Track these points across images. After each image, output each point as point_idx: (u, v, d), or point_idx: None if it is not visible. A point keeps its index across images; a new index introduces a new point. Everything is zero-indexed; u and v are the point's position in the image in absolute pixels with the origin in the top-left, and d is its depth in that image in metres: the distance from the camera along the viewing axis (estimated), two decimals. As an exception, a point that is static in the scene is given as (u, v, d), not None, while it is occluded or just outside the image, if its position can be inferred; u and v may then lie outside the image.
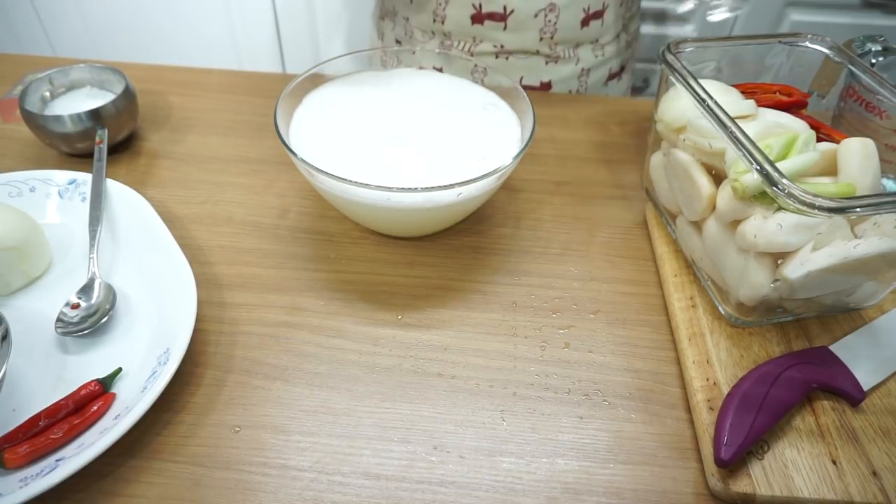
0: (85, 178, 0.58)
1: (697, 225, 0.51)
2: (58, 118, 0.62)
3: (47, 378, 0.46)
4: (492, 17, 0.77)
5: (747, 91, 0.53)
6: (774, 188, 0.39)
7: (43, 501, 0.39)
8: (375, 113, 0.60)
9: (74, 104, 0.66)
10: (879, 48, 0.61)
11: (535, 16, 0.77)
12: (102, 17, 1.46)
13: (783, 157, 0.43)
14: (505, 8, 0.76)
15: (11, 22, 1.50)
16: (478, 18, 0.78)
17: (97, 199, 0.56)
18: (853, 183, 0.43)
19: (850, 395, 0.45)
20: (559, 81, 0.84)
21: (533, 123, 0.55)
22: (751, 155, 0.41)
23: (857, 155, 0.43)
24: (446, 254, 0.58)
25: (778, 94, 0.53)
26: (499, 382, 0.48)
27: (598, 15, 0.80)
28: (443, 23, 0.80)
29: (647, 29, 1.42)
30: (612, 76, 0.88)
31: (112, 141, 0.64)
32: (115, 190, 0.57)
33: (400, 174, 0.53)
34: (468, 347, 0.50)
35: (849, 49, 0.62)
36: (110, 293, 0.51)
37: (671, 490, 0.42)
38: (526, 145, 0.52)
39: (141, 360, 0.47)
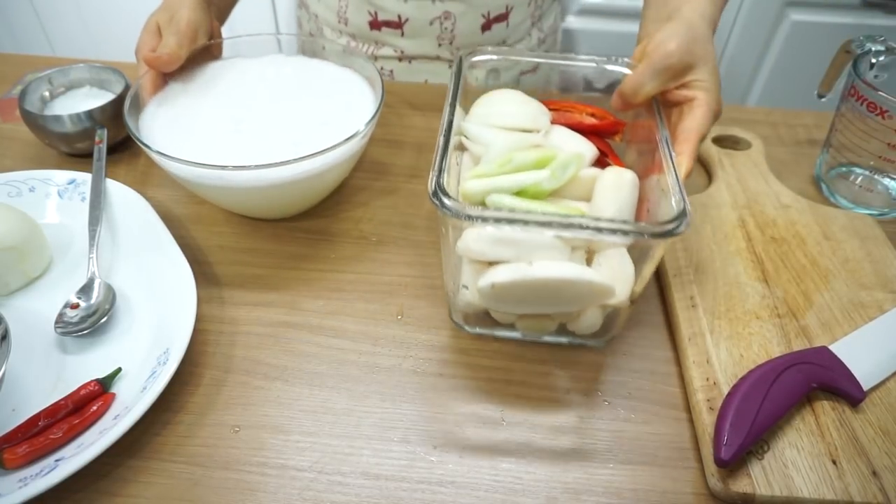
0: (84, 178, 0.58)
1: None
2: (57, 118, 0.62)
3: (47, 378, 0.46)
4: (388, 24, 0.78)
5: (561, 108, 0.53)
6: (433, 197, 0.40)
7: (42, 501, 0.39)
8: (225, 101, 0.60)
9: (74, 104, 0.66)
10: (880, 48, 0.61)
11: (431, 23, 0.77)
12: (102, 17, 1.46)
13: (523, 170, 0.44)
14: (399, 17, 0.76)
15: (11, 21, 1.50)
16: (375, 25, 0.78)
17: (97, 199, 0.56)
18: (591, 209, 0.45)
19: (850, 394, 0.45)
20: None
21: (382, 92, 0.57)
22: (438, 164, 0.42)
23: (605, 184, 0.45)
24: (446, 254, 0.58)
25: (592, 116, 0.53)
26: (498, 382, 0.48)
27: (502, 18, 0.79)
28: (346, 24, 0.80)
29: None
30: (523, 73, 0.87)
31: (112, 141, 0.64)
32: (115, 190, 0.57)
33: (257, 154, 0.54)
34: (468, 347, 0.50)
35: (849, 49, 0.62)
36: (110, 293, 0.51)
37: (671, 490, 0.42)
38: (377, 112, 0.54)
39: (140, 360, 0.47)
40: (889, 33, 0.63)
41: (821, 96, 0.67)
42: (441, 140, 0.44)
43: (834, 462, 0.42)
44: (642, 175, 0.47)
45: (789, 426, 0.44)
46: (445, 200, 0.39)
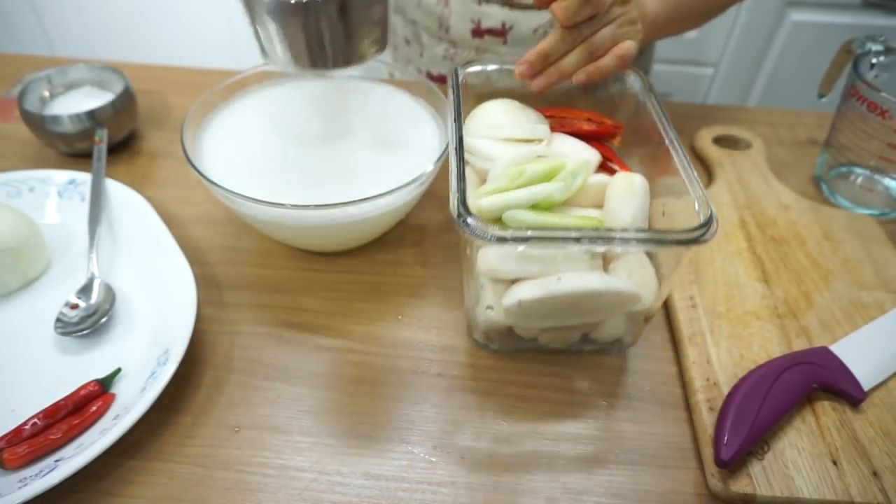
0: (84, 178, 0.58)
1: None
2: (57, 118, 0.62)
3: (46, 378, 0.46)
4: (491, 32, 0.77)
5: (556, 115, 0.52)
6: (457, 218, 0.38)
7: (42, 501, 0.39)
8: (284, 128, 0.58)
9: (73, 104, 0.66)
10: (880, 48, 0.61)
11: (535, 32, 0.76)
12: (102, 17, 1.46)
13: (534, 183, 0.43)
14: (504, 24, 0.76)
15: (10, 21, 1.50)
16: (478, 33, 0.77)
17: (96, 199, 0.56)
18: (605, 216, 0.44)
19: (851, 395, 0.45)
20: None
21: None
22: (457, 184, 0.40)
23: (617, 191, 0.44)
24: (447, 254, 0.58)
25: (589, 120, 0.52)
26: (499, 383, 0.48)
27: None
28: (447, 31, 0.79)
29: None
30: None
31: (111, 141, 0.64)
32: (115, 190, 0.57)
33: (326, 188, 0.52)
34: (468, 347, 0.50)
35: (849, 49, 0.62)
36: (109, 293, 0.51)
37: (671, 490, 0.42)
38: (444, 153, 0.51)
39: (140, 361, 0.47)
40: (889, 33, 0.63)
41: (821, 96, 0.67)
42: (454, 159, 0.43)
43: (834, 462, 0.42)
44: (649, 178, 0.46)
45: (790, 426, 0.44)
46: (472, 223, 0.38)
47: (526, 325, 0.46)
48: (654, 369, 0.49)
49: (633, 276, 0.43)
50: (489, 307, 0.44)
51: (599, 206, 0.45)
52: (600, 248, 0.38)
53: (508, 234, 0.38)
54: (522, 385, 0.47)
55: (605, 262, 0.43)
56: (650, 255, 0.44)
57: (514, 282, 0.43)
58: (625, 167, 0.50)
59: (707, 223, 0.38)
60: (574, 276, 0.41)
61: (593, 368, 0.49)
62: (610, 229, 0.38)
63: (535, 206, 0.43)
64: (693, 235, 0.38)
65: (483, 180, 0.47)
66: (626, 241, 0.38)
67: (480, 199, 0.43)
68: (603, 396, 0.47)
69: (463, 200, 0.39)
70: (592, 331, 0.47)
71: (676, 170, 0.43)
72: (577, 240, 0.38)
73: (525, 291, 0.41)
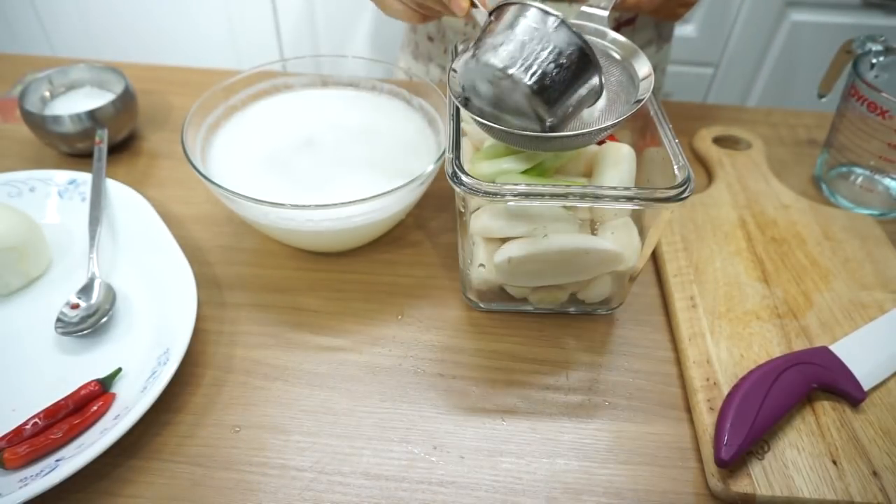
0: (85, 178, 0.58)
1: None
2: (57, 118, 0.62)
3: (47, 378, 0.46)
4: None
5: None
6: (452, 179, 0.41)
7: (43, 501, 0.39)
8: (282, 137, 0.59)
9: (74, 104, 0.66)
10: (880, 48, 0.61)
11: None
12: (102, 17, 1.46)
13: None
14: None
15: (11, 21, 1.50)
16: None
17: (97, 199, 0.56)
18: (593, 182, 0.47)
19: (851, 395, 0.45)
20: None
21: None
22: (453, 146, 0.43)
23: (605, 160, 0.46)
24: (447, 253, 0.58)
25: None
26: (499, 383, 0.48)
27: (630, 22, 0.79)
28: (473, 27, 0.79)
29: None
30: None
31: (112, 141, 0.64)
32: (115, 190, 0.57)
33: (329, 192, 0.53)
34: (468, 347, 0.50)
35: (849, 49, 0.62)
36: (110, 293, 0.51)
37: (671, 490, 0.42)
38: (443, 153, 0.51)
39: (141, 361, 0.47)
40: (889, 33, 0.63)
41: (821, 96, 0.67)
42: (452, 123, 0.45)
43: (834, 462, 0.42)
44: (637, 150, 0.48)
45: (790, 426, 0.44)
46: (465, 179, 0.40)
47: (516, 284, 0.48)
48: (654, 369, 0.49)
49: (619, 239, 0.45)
50: (481, 265, 0.47)
51: (589, 176, 0.48)
52: (586, 204, 0.41)
53: (499, 188, 0.40)
54: (523, 384, 0.48)
55: (592, 229, 0.46)
56: (634, 219, 0.46)
57: (504, 241, 0.45)
58: (614, 139, 0.51)
59: (685, 182, 0.41)
60: (561, 235, 0.44)
61: (594, 367, 0.49)
62: (596, 186, 0.41)
63: (526, 173, 0.45)
64: (673, 193, 0.40)
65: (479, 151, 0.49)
66: (611, 198, 0.40)
67: (477, 164, 0.45)
68: (603, 396, 0.47)
69: (458, 160, 0.42)
70: (580, 291, 0.49)
71: (660, 139, 0.45)
72: (565, 195, 0.40)
73: (514, 249, 0.44)
